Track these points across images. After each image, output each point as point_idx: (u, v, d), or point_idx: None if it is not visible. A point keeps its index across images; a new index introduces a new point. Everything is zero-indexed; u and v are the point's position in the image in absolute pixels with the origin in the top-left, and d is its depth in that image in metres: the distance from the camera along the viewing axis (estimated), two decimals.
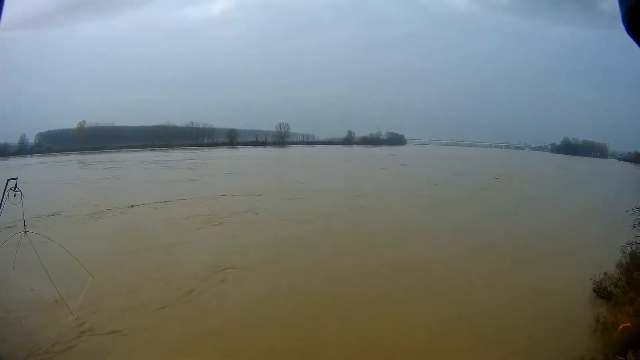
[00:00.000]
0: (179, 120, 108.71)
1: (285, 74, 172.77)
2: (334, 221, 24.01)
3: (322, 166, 58.04)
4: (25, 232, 12.13)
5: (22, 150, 79.67)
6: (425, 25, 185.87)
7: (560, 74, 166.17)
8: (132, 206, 26.65)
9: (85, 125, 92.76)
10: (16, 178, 11.71)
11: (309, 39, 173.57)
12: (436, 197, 33.07)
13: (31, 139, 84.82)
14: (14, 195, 11.34)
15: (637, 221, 17.52)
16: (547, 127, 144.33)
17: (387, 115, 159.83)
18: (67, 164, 60.87)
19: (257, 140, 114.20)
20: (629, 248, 15.99)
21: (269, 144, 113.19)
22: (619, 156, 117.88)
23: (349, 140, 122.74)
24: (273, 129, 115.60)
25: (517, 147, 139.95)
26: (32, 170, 50.66)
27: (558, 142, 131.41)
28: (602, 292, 14.04)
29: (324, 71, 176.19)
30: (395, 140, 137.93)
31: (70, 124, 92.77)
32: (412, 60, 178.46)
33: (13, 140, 79.83)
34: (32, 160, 67.62)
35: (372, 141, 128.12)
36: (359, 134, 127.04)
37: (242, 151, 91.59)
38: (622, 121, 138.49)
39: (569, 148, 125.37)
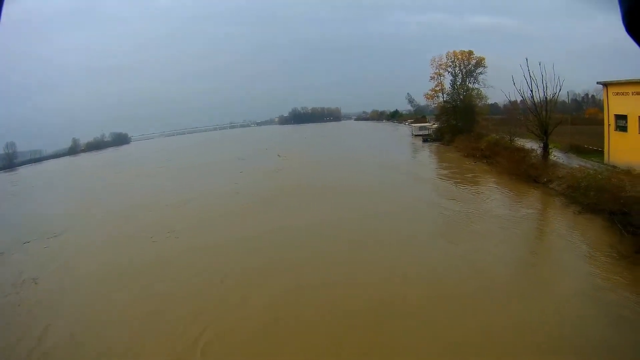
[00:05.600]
0: None
1: None
2: None
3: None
4: None
5: None
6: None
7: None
8: None
9: None
10: None
11: None
12: (256, 188, 35.88)
13: None
14: None
15: None
16: (274, 103, 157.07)
17: (113, 115, 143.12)
18: None
19: None
20: None
21: None
22: (354, 117, 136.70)
23: (74, 149, 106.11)
24: None
25: (242, 125, 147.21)
26: None
27: (286, 114, 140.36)
28: None
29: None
30: (120, 140, 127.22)
31: None
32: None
33: None
34: None
35: (97, 145, 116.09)
36: (84, 139, 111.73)
37: None
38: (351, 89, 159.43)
39: (298, 118, 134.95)
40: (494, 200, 26.38)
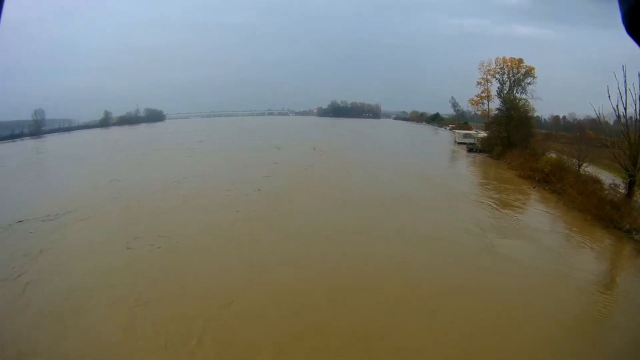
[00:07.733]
0: None
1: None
2: None
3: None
4: None
5: None
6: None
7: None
8: None
9: None
10: None
11: None
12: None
13: None
14: None
15: None
16: (314, 93, 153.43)
17: (148, 91, 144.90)
18: None
19: (14, 133, 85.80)
20: None
21: (26, 135, 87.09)
22: (393, 116, 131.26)
23: (105, 122, 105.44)
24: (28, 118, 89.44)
25: (280, 114, 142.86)
26: None
27: (325, 107, 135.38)
28: None
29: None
30: (154, 116, 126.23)
31: None
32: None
33: None
34: None
35: (130, 120, 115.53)
36: (117, 113, 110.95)
37: None
38: (393, 88, 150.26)
39: (336, 111, 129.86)
40: (563, 251, 19.93)
